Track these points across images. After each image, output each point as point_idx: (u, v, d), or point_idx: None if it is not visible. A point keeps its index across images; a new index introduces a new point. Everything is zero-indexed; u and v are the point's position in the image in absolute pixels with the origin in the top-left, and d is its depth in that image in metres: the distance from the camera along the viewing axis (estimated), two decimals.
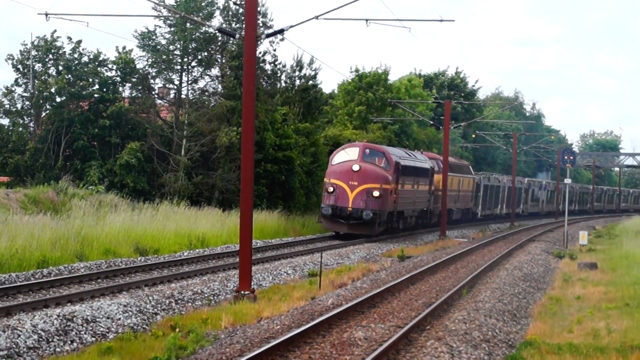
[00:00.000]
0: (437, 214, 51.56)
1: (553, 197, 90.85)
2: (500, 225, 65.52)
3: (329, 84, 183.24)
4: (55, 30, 47.93)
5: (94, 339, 16.19)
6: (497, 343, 16.33)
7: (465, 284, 24.04)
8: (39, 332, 15.47)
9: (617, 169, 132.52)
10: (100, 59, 48.35)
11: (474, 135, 79.79)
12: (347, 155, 39.72)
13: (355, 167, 38.32)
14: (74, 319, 16.61)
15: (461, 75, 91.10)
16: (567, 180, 45.42)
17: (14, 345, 14.62)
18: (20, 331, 15.20)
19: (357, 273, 26.97)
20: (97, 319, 17.05)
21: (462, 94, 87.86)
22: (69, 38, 47.87)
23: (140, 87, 48.99)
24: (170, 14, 45.55)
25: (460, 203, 58.07)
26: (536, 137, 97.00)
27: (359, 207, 37.80)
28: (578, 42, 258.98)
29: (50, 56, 47.52)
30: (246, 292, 20.87)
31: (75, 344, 15.69)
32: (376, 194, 38.00)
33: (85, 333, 16.29)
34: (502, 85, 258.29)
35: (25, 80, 47.39)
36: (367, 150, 39.94)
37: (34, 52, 47.27)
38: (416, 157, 47.36)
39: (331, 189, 38.29)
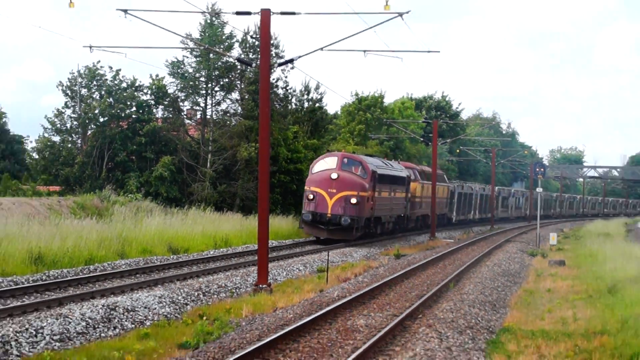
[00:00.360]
0: (413, 219, 49.68)
1: (520, 203, 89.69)
2: (481, 228, 65.26)
3: (333, 106, 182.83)
4: (99, 61, 48.51)
5: (133, 325, 16.23)
6: (479, 329, 16.32)
7: (452, 279, 24.00)
8: (87, 319, 15.53)
9: (581, 179, 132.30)
10: (137, 84, 48.87)
11: (458, 151, 79.55)
12: (326, 164, 36.89)
13: (334, 176, 35.62)
14: (117, 308, 16.66)
15: (447, 99, 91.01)
16: (539, 189, 45.28)
17: (65, 331, 14.70)
18: (71, 319, 15.27)
19: (359, 269, 26.91)
20: (136, 309, 17.09)
21: (448, 115, 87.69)
22: (110, 67, 48.54)
23: (171, 109, 49.58)
24: (196, 46, 46.04)
25: (436, 209, 56.33)
26: (512, 152, 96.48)
27: (338, 213, 35.28)
28: (547, 70, 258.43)
29: (95, 82, 48.02)
30: (264, 286, 20.88)
31: (117, 330, 15.74)
32: (354, 200, 35.43)
33: (126, 320, 16.34)
34: (482, 107, 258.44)
35: (73, 104, 48.01)
36: (345, 160, 37.05)
37: (79, 80, 47.76)
38: (393, 166, 44.51)
39: (311, 196, 35.60)
